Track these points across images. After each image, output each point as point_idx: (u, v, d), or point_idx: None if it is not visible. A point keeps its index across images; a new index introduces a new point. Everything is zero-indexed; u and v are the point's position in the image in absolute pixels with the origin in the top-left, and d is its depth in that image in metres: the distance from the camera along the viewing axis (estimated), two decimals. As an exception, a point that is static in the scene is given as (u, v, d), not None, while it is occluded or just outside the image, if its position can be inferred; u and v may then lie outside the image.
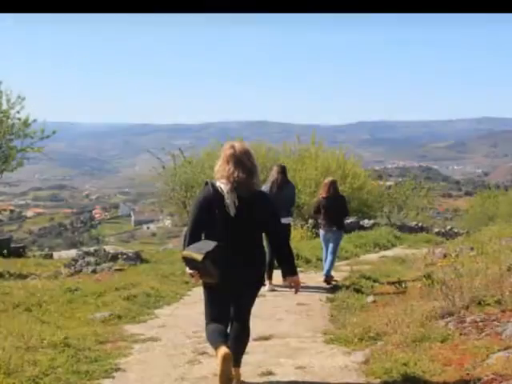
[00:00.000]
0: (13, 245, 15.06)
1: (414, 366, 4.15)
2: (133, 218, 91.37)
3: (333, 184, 8.71)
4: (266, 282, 7.71)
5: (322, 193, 8.80)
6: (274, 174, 8.11)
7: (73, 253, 12.51)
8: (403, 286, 7.55)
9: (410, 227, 19.22)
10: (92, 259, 10.22)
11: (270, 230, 3.88)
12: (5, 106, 13.26)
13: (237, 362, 3.90)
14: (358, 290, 7.73)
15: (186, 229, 3.90)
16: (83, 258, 10.39)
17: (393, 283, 8.14)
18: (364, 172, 21.89)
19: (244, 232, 3.74)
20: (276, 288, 7.93)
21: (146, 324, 6.08)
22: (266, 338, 5.38)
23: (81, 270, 9.83)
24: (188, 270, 3.73)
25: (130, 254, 10.57)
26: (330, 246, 8.62)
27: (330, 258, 8.56)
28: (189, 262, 3.66)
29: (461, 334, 4.65)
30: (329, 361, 4.65)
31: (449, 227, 21.54)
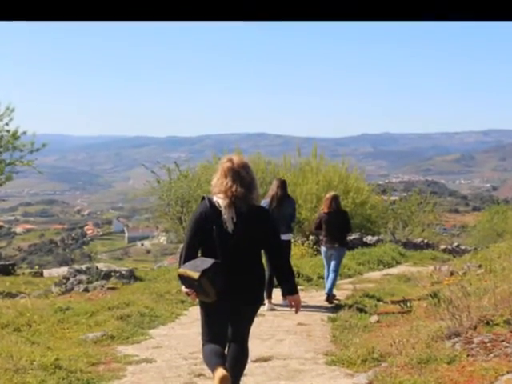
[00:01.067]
0: (1, 262, 14.94)
1: (420, 388, 4.03)
2: (126, 234, 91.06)
3: (335, 199, 8.62)
4: (266, 301, 7.64)
5: (323, 208, 8.73)
6: (273, 189, 8.04)
7: (64, 270, 12.43)
8: (408, 305, 7.48)
9: (416, 244, 19.12)
10: (84, 277, 10.12)
11: (270, 247, 3.81)
12: (-7, 118, 13.16)
13: (235, 385, 3.78)
14: (361, 310, 7.63)
15: (182, 246, 3.80)
16: (75, 275, 10.30)
17: (397, 302, 8.04)
18: (367, 186, 21.68)
19: (242, 249, 3.68)
20: (276, 307, 7.85)
21: (140, 345, 5.96)
22: (266, 360, 5.28)
23: (72, 289, 9.74)
24: (184, 289, 3.66)
25: (124, 272, 10.48)
26: (332, 263, 8.51)
27: (331, 275, 8.45)
28: (185, 280, 3.59)
29: (468, 356, 4.54)
30: (331, 383, 4.56)
31: (456, 244, 21.47)
